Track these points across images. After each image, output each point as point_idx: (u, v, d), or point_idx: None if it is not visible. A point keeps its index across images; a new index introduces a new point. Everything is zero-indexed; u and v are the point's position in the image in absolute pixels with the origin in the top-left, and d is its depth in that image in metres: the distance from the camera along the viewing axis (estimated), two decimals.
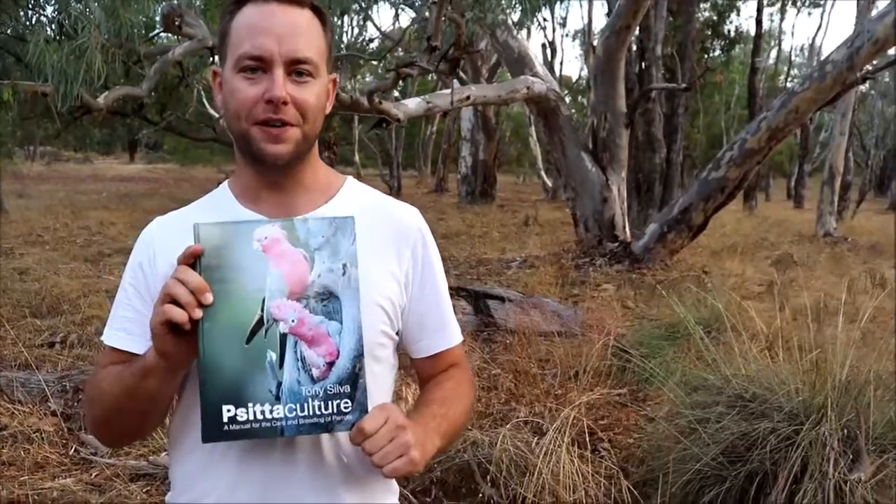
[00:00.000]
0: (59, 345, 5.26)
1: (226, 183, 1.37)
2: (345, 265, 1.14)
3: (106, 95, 5.51)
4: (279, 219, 1.17)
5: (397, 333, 1.36)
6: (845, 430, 2.89)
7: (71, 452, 3.58)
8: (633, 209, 12.04)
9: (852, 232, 15.49)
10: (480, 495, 3.15)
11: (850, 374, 3.11)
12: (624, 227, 9.54)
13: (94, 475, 3.36)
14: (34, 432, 3.69)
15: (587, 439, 3.37)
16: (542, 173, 28.01)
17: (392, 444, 1.12)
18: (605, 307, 6.59)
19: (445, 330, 1.41)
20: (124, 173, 31.11)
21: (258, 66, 1.20)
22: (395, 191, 24.41)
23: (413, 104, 7.53)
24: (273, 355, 1.11)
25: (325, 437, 1.24)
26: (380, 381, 1.31)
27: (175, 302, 1.07)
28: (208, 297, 1.08)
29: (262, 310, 1.10)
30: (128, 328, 1.30)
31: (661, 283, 6.55)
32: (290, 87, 1.21)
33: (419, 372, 1.45)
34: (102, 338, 1.33)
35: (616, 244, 9.23)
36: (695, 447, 3.04)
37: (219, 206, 1.33)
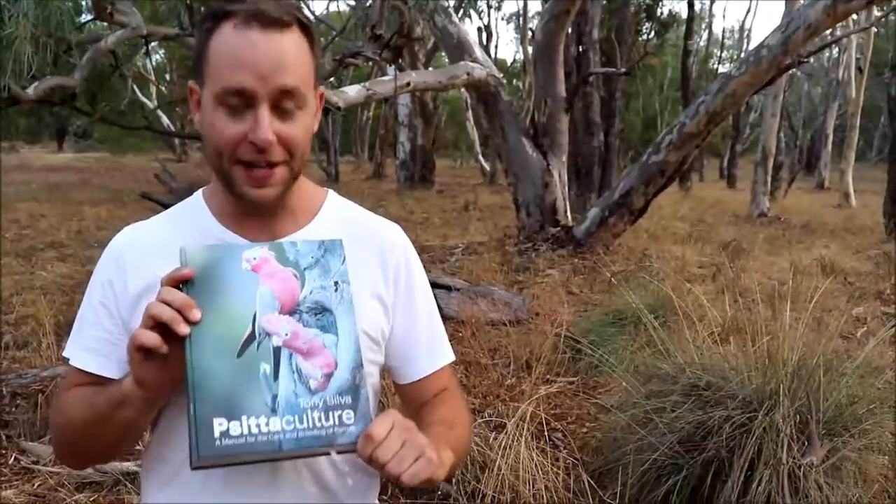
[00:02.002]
0: None
1: (199, 193, 1.29)
2: (336, 283, 1.09)
3: (36, 86, 5.29)
4: (267, 242, 1.12)
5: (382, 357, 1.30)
6: (797, 416, 2.93)
7: (11, 462, 3.42)
8: (572, 193, 12.09)
9: (785, 211, 15.86)
10: (438, 492, 3.12)
11: (801, 360, 3.15)
12: (565, 212, 9.58)
13: (36, 485, 3.22)
14: None
15: (545, 431, 3.37)
16: (480, 157, 28.04)
17: (405, 447, 1.02)
18: (550, 293, 6.61)
19: (433, 351, 1.35)
20: (53, 163, 30.15)
21: (240, 101, 1.11)
22: (333, 178, 24.21)
23: (353, 91, 7.41)
24: (266, 368, 1.04)
25: (308, 471, 1.19)
26: None
27: (158, 325, 1.00)
28: (196, 314, 1.01)
29: (254, 325, 1.05)
30: (96, 349, 1.21)
31: (615, 275, 6.58)
32: (276, 124, 1.12)
33: (408, 401, 1.37)
34: (67, 356, 1.24)
35: (558, 229, 9.26)
36: (651, 437, 3.05)
37: (197, 223, 1.25)
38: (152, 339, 1.00)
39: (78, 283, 6.84)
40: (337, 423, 1.04)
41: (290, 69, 1.12)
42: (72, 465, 1.37)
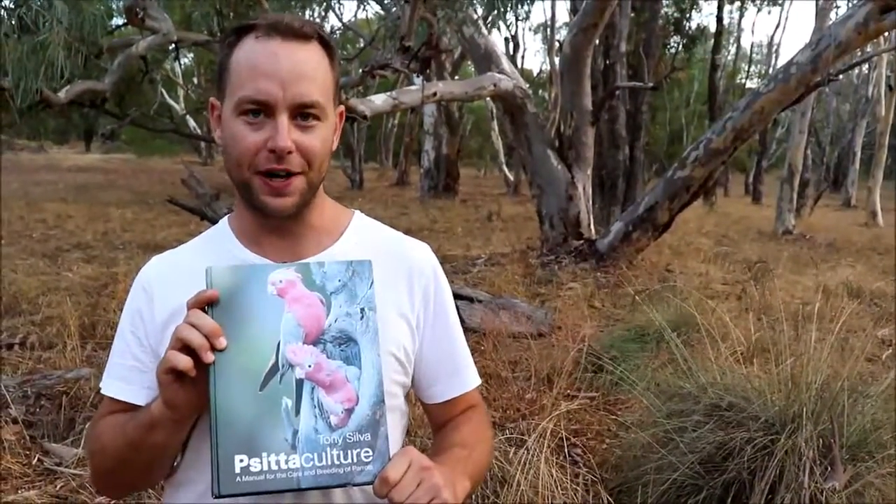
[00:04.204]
0: (19, 347, 5.04)
1: (225, 220, 1.30)
2: (363, 309, 1.08)
3: (67, 90, 5.37)
4: (294, 262, 1.11)
5: (409, 379, 1.30)
6: (820, 440, 2.90)
7: (34, 462, 3.44)
8: (596, 206, 12.05)
9: (810, 229, 15.72)
10: None
11: (825, 382, 3.12)
12: (589, 225, 9.56)
13: (59, 487, 3.24)
14: None
15: (564, 446, 3.36)
16: (504, 167, 28.04)
17: (420, 488, 1.03)
18: (572, 307, 6.59)
19: (460, 374, 1.34)
20: (81, 163, 30.46)
21: (260, 110, 1.12)
22: (357, 184, 24.29)
23: (379, 100, 7.44)
24: (289, 402, 1.04)
25: (337, 493, 1.19)
26: (392, 431, 1.26)
27: (186, 347, 1.01)
28: (222, 342, 1.01)
29: (277, 355, 1.04)
30: (126, 377, 1.23)
31: (639, 293, 6.54)
32: (295, 134, 1.13)
33: (432, 417, 1.38)
34: (101, 387, 1.26)
35: (581, 242, 9.24)
36: (671, 456, 3.03)
37: (220, 248, 1.26)
38: (184, 361, 1.01)
39: (103, 286, 6.89)
40: (355, 461, 1.05)
41: (310, 80, 1.14)
42: (110, 494, 1.38)
